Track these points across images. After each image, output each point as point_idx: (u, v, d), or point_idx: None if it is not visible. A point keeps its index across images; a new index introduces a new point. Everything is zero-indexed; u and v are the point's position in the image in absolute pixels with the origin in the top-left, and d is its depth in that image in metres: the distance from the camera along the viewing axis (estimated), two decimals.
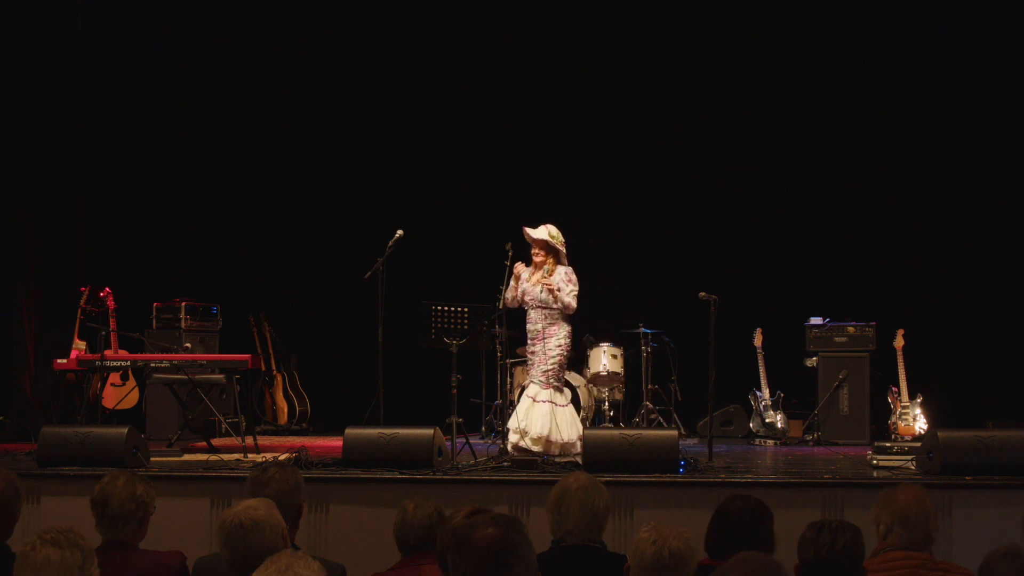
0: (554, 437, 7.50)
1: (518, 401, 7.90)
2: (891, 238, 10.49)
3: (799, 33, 10.51)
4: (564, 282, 7.67)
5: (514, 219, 10.42)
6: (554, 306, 7.63)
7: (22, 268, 9.99)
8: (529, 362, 7.83)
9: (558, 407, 7.62)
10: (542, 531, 4.07)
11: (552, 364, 7.67)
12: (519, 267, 7.74)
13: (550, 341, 7.68)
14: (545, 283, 7.64)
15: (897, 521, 3.91)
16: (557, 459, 7.21)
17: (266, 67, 10.74)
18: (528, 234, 7.80)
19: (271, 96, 10.81)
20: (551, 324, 7.69)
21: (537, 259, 7.75)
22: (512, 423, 7.55)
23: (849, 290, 10.35)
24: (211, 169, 10.77)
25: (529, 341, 7.75)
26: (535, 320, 7.67)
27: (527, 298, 7.68)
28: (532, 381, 7.70)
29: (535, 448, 7.43)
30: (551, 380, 7.66)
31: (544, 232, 7.75)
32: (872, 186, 10.51)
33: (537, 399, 7.62)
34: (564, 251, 7.79)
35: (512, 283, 7.68)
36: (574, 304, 7.67)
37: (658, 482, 6.26)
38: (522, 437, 7.48)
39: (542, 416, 7.64)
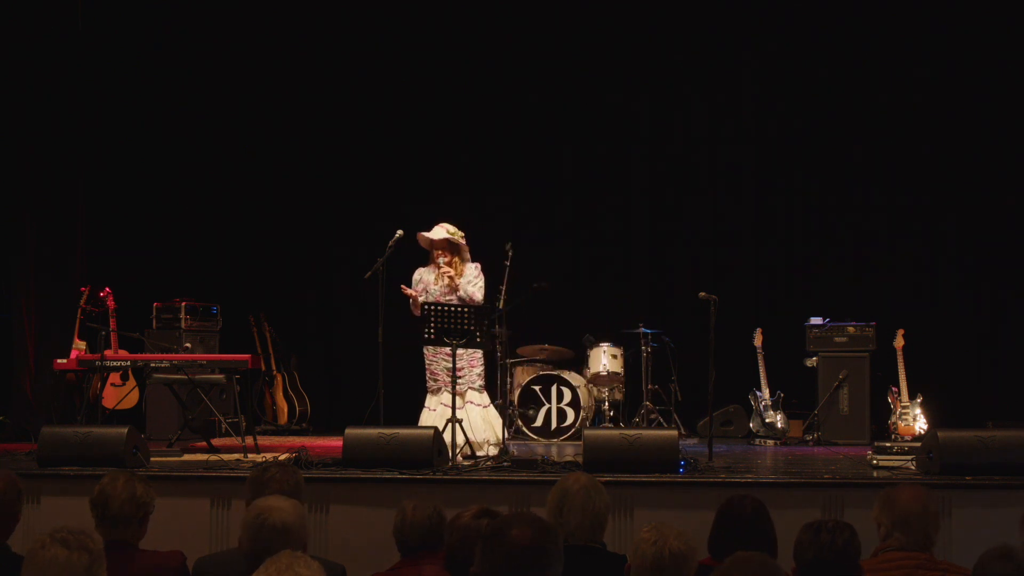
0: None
1: (424, 409, 7.74)
2: (891, 238, 10.49)
3: (799, 33, 10.51)
4: (474, 277, 7.61)
5: (514, 219, 10.47)
6: (456, 303, 7.44)
7: (22, 268, 9.98)
8: (437, 364, 7.63)
9: (492, 407, 7.77)
10: None
11: (480, 367, 7.71)
12: (418, 272, 7.71)
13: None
14: (444, 271, 7.55)
15: (897, 521, 3.91)
16: (557, 459, 7.22)
17: (266, 67, 10.74)
18: (425, 237, 7.69)
19: (271, 96, 10.80)
20: None
21: (443, 259, 7.65)
22: (483, 435, 7.54)
23: (849, 290, 10.36)
24: (211, 169, 10.76)
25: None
26: None
27: (441, 300, 7.50)
28: (470, 387, 7.57)
29: (480, 453, 7.44)
30: (483, 383, 7.73)
31: (443, 231, 7.64)
32: (872, 186, 10.52)
33: (484, 405, 7.67)
34: (466, 245, 7.71)
35: (419, 291, 7.61)
36: (478, 296, 7.54)
37: (658, 482, 6.26)
38: (485, 445, 7.49)
39: (497, 419, 7.74)
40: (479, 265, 7.72)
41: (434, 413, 7.56)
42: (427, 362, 7.74)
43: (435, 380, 7.69)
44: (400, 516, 4.02)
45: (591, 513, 3.97)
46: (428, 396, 7.75)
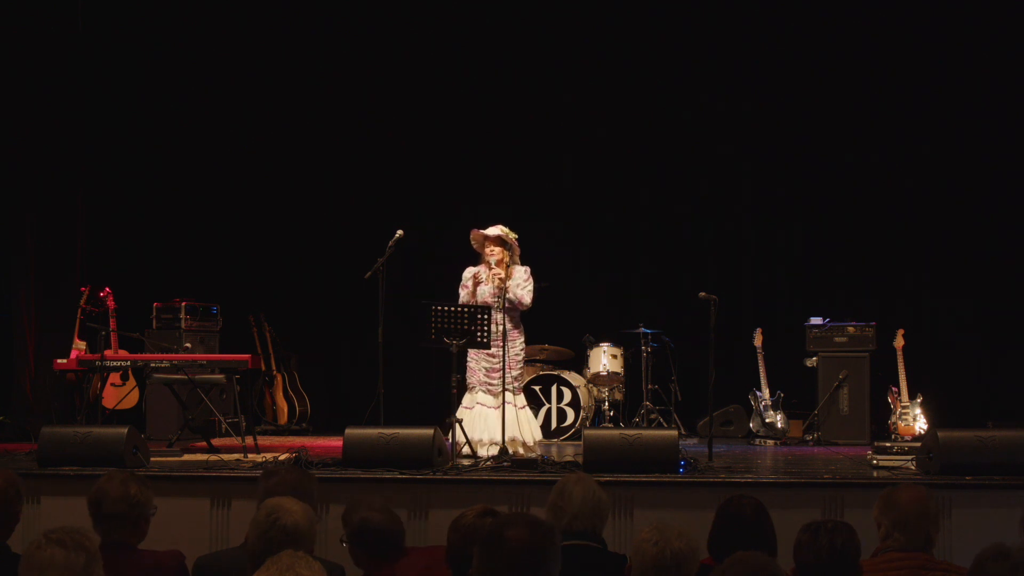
0: (539, 437, 7.85)
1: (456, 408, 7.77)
2: (891, 238, 10.49)
3: (800, 32, 10.50)
4: (524, 280, 7.66)
5: (515, 219, 10.45)
6: (506, 304, 7.50)
7: (22, 268, 9.98)
8: (477, 363, 7.68)
9: (528, 409, 7.84)
10: None
11: (520, 369, 7.79)
12: (468, 271, 7.75)
13: (515, 344, 7.66)
14: (494, 273, 7.60)
15: (897, 522, 3.90)
16: (557, 459, 7.22)
17: (266, 67, 10.74)
18: (481, 234, 7.73)
19: (271, 96, 10.80)
20: (514, 327, 7.66)
21: (494, 258, 7.67)
22: (517, 434, 7.57)
23: (849, 290, 10.36)
24: (211, 169, 10.76)
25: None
26: (497, 321, 7.47)
27: (489, 300, 7.57)
28: (501, 388, 7.57)
29: (532, 454, 7.50)
30: (520, 385, 7.81)
31: (497, 230, 7.71)
32: (872, 186, 10.51)
33: (520, 406, 7.72)
34: (517, 247, 7.77)
35: (470, 287, 7.67)
36: (527, 300, 7.63)
37: (658, 482, 6.26)
38: (516, 445, 7.51)
39: (529, 422, 7.80)
40: (529, 268, 7.75)
41: (471, 411, 7.63)
42: (468, 360, 7.75)
43: (472, 377, 7.74)
44: (367, 519, 3.98)
45: (591, 501, 3.99)
46: (466, 395, 7.76)
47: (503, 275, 7.61)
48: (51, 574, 2.85)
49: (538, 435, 7.95)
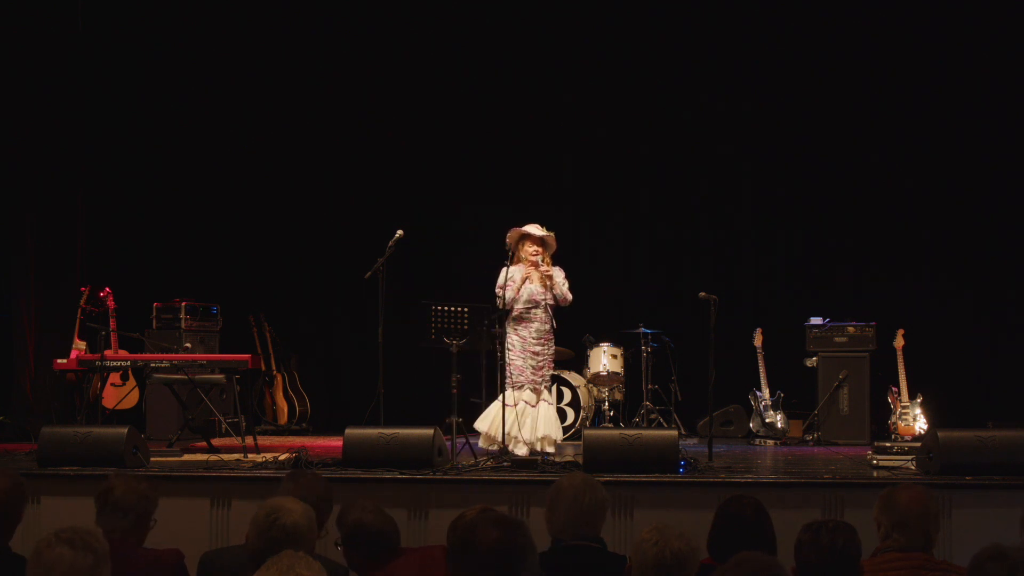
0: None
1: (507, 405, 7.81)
2: (891, 238, 10.49)
3: (800, 32, 10.50)
4: (563, 279, 7.78)
5: (515, 219, 10.45)
6: (550, 301, 7.67)
7: (22, 268, 9.99)
8: (524, 360, 7.71)
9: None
10: (542, 531, 4.07)
11: (551, 369, 7.93)
12: (505, 271, 7.77)
13: (552, 342, 7.79)
14: (544, 271, 7.68)
15: (897, 522, 3.90)
16: (556, 459, 7.22)
17: (266, 67, 10.74)
18: (532, 233, 7.77)
19: (271, 96, 10.80)
20: (551, 325, 7.77)
21: (537, 257, 7.73)
22: (534, 432, 7.59)
23: (849, 290, 10.36)
24: (211, 169, 10.76)
25: (534, 340, 7.66)
26: (543, 319, 7.64)
27: (536, 297, 7.66)
28: (542, 386, 7.67)
29: (550, 449, 7.57)
30: (548, 384, 7.90)
31: (541, 230, 7.82)
32: (872, 186, 10.51)
33: (553, 404, 7.88)
34: (554, 247, 7.87)
35: (518, 283, 7.69)
36: (570, 296, 7.77)
37: (658, 482, 6.26)
38: (543, 443, 7.58)
39: (556, 418, 7.92)
40: (561, 268, 7.84)
41: (512, 408, 7.58)
42: (511, 358, 7.70)
43: (521, 375, 7.68)
44: (361, 520, 3.99)
45: (579, 510, 3.98)
46: (509, 391, 7.67)
47: (552, 272, 7.70)
48: (58, 573, 2.86)
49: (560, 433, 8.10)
